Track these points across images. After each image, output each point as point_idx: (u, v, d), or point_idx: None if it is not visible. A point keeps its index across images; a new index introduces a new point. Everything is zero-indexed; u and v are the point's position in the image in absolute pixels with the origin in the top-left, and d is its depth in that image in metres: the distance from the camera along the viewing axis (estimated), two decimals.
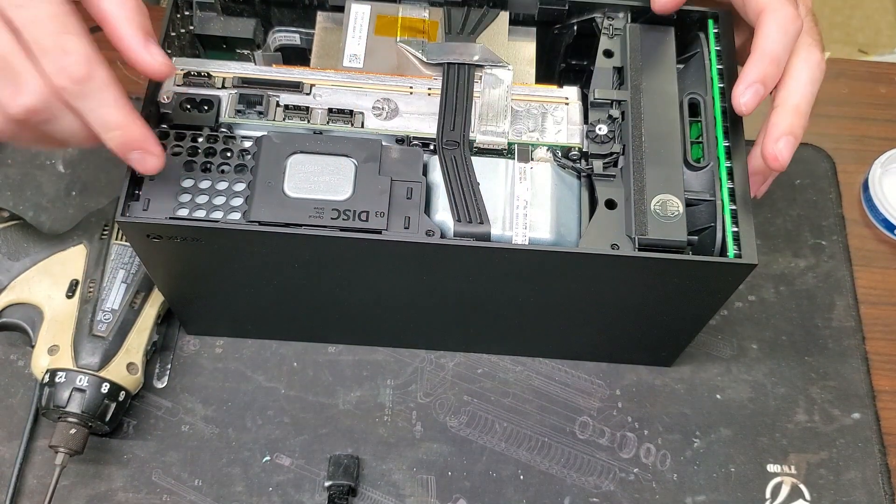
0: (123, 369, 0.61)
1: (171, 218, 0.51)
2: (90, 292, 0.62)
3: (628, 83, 0.57)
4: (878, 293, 0.72)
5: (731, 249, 0.52)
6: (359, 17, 0.60)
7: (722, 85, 0.58)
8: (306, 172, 0.53)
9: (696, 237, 0.54)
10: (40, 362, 0.61)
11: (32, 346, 0.62)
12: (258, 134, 0.55)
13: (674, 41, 0.60)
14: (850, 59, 0.83)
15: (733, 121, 0.56)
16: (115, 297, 0.62)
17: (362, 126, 0.56)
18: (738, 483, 0.65)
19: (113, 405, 0.61)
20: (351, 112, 0.56)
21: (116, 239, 0.64)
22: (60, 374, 0.60)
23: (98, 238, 0.64)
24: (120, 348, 0.61)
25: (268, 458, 0.64)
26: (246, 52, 0.62)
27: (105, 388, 0.60)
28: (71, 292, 0.62)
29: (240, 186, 0.53)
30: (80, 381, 0.59)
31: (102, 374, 0.60)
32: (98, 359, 0.60)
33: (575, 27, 0.62)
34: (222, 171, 0.54)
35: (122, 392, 0.61)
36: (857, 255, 0.74)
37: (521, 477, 0.64)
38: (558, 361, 0.68)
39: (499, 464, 0.65)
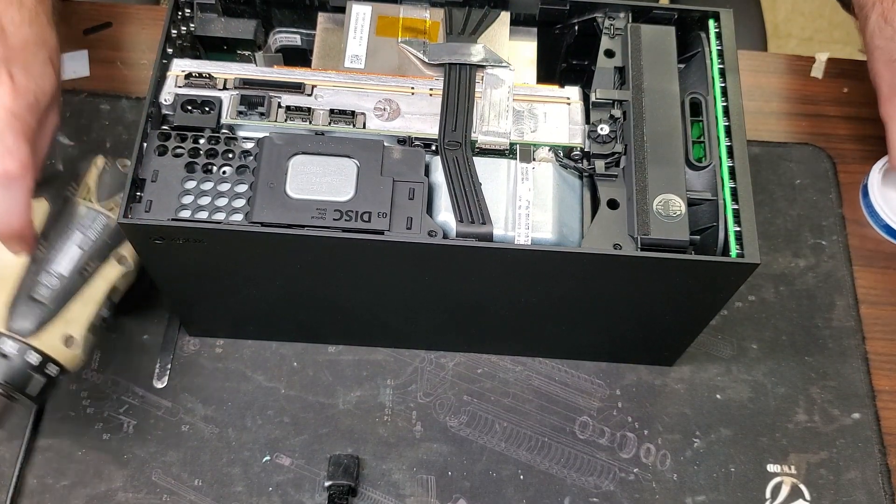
0: (58, 341, 0.55)
1: (173, 219, 0.51)
2: (40, 251, 0.56)
3: (630, 83, 0.58)
4: (878, 293, 0.72)
5: (734, 249, 0.52)
6: (360, 17, 0.60)
7: (723, 84, 0.58)
8: (308, 173, 0.53)
9: (699, 237, 0.54)
10: None
11: None
12: (260, 135, 0.55)
13: (675, 41, 0.60)
14: (850, 58, 0.83)
15: (735, 120, 0.56)
16: (64, 260, 0.57)
17: (364, 127, 0.56)
18: (738, 483, 0.65)
19: (41, 379, 0.55)
20: (353, 113, 0.56)
21: (83, 198, 0.58)
22: None
23: (62, 195, 0.58)
24: (56, 316, 0.56)
25: (268, 458, 0.64)
26: (247, 53, 0.62)
27: (33, 357, 0.54)
28: None
29: (242, 188, 0.53)
30: (4, 346, 0.54)
31: (32, 341, 0.54)
32: (30, 324, 0.54)
33: (576, 27, 0.62)
34: (224, 173, 0.54)
35: (54, 367, 0.55)
36: (857, 255, 0.74)
37: (521, 477, 0.64)
38: (558, 361, 0.68)
39: (499, 464, 0.65)
